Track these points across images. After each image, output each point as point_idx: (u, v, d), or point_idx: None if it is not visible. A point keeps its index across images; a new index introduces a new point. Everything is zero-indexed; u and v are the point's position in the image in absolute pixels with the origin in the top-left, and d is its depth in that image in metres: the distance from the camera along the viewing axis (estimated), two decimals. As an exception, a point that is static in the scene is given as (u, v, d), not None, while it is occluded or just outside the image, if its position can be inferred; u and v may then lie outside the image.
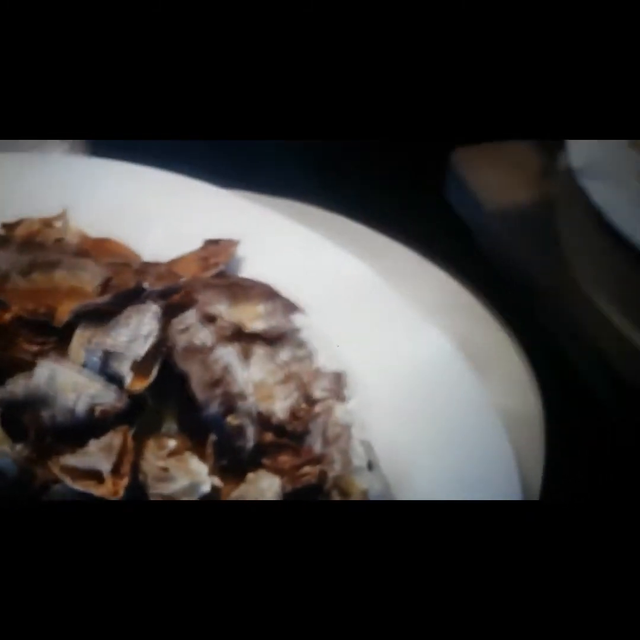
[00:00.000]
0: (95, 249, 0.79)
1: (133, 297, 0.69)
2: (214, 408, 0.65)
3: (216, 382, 0.67)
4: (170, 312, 0.71)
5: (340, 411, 0.71)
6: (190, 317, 0.71)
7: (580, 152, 0.89)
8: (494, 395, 0.79)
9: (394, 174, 1.17)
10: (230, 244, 0.83)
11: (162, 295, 0.71)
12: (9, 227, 0.80)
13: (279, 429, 0.70)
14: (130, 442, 0.64)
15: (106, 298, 0.68)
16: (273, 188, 0.94)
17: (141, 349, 0.65)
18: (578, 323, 0.89)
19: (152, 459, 0.64)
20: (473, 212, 1.10)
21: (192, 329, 0.70)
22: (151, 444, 0.66)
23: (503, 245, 1.05)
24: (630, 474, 0.83)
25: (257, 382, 0.72)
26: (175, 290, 0.72)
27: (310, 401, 0.72)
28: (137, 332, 0.66)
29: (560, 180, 1.00)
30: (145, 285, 0.69)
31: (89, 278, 0.73)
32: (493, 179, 1.11)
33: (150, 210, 0.84)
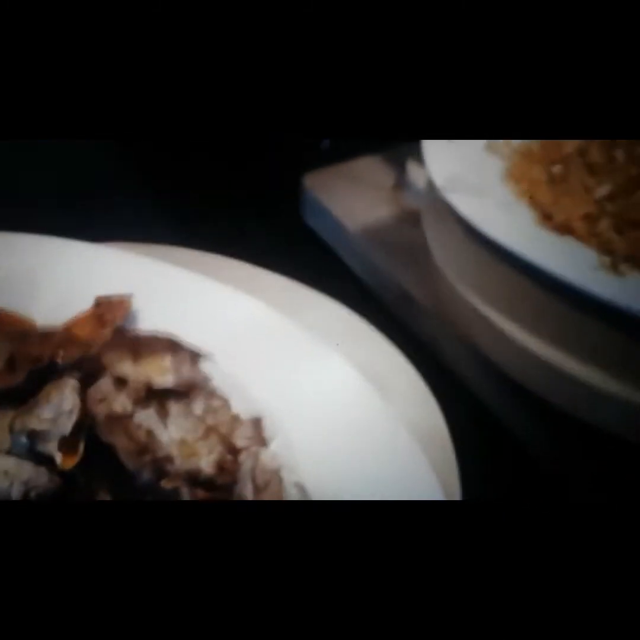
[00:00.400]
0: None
1: (48, 373, 0.68)
2: (146, 476, 0.65)
3: (143, 450, 0.67)
4: (84, 383, 0.70)
5: (265, 456, 0.72)
6: (105, 384, 0.70)
7: (439, 166, 0.92)
8: (400, 412, 0.82)
9: (251, 203, 1.18)
10: (123, 299, 0.83)
11: (75, 367, 0.69)
12: None
13: (209, 484, 0.70)
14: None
15: (20, 377, 0.67)
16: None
17: (66, 425, 0.65)
18: (459, 328, 0.92)
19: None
20: (336, 235, 1.12)
21: (109, 397, 0.69)
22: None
23: (372, 263, 1.07)
24: (523, 468, 0.88)
25: (178, 441, 0.72)
26: (87, 360, 0.71)
27: (234, 451, 0.73)
28: (60, 408, 0.65)
29: (420, 194, 1.04)
30: (58, 360, 0.68)
31: (-8, 356, 0.71)
32: (351, 199, 1.13)
33: (35, 276, 0.82)
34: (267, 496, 0.71)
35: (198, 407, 0.78)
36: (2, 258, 0.82)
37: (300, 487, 0.72)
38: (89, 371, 0.71)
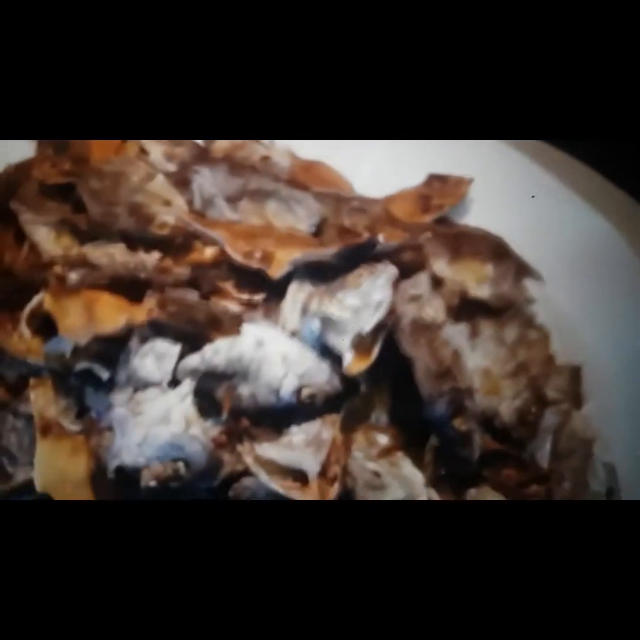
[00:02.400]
0: (307, 174, 0.64)
1: (365, 252, 0.55)
2: (440, 407, 0.52)
3: (444, 373, 0.54)
4: (399, 273, 0.57)
5: (577, 420, 0.58)
6: (422, 281, 0.57)
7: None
8: None
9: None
10: (461, 182, 0.68)
11: (395, 253, 0.56)
12: (207, 138, 0.66)
13: (502, 434, 0.57)
14: (340, 437, 0.53)
15: (333, 250, 0.55)
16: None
17: (369, 321, 0.52)
18: None
19: (362, 459, 0.53)
20: None
21: (423, 298, 0.56)
22: (360, 438, 0.54)
23: None
24: None
25: (482, 370, 0.58)
26: (409, 248, 0.57)
27: (542, 402, 0.59)
28: (367, 298, 0.53)
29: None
30: (380, 238, 0.55)
31: (303, 214, 0.60)
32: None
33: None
34: (564, 467, 0.57)
35: (511, 333, 0.63)
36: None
37: (611, 470, 0.57)
38: (407, 262, 0.58)
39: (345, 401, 0.54)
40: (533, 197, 0.70)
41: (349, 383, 0.54)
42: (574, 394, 0.60)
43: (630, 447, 0.58)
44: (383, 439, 0.54)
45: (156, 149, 0.67)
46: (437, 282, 0.62)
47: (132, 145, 0.66)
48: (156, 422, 0.51)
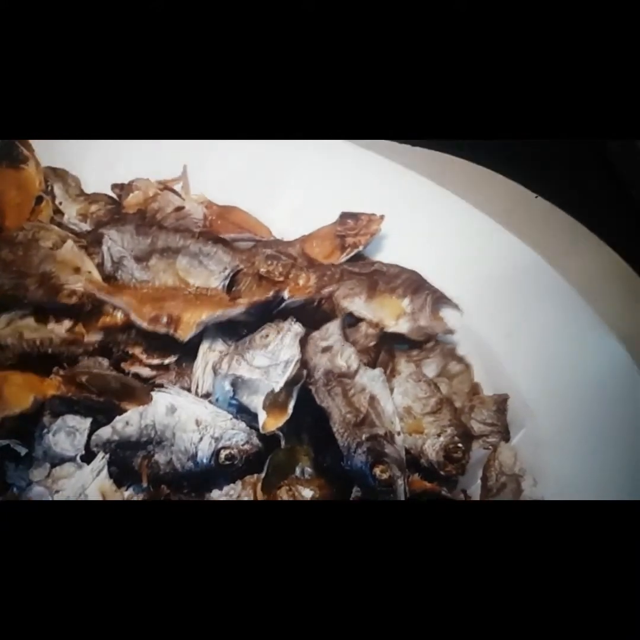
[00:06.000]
0: (221, 220, 0.63)
1: (272, 308, 0.53)
2: (359, 457, 0.50)
3: (361, 421, 0.52)
4: (310, 322, 0.55)
5: (505, 454, 0.56)
6: (332, 332, 0.55)
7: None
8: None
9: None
10: (372, 220, 0.66)
11: (301, 307, 0.55)
12: (121, 188, 0.64)
13: (430, 473, 0.55)
14: (260, 498, 0.50)
15: (240, 309, 0.53)
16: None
17: (280, 378, 0.51)
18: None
19: (285, 517, 0.50)
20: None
21: (335, 347, 0.54)
22: (283, 495, 0.52)
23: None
24: None
25: (404, 409, 0.56)
26: (318, 301, 0.56)
27: (468, 437, 0.57)
28: (276, 358, 0.51)
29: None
30: (285, 294, 0.53)
31: (215, 268, 0.58)
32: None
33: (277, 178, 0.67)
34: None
35: (432, 368, 0.62)
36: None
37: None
38: (316, 310, 0.56)
39: (268, 458, 0.52)
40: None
41: (269, 440, 0.52)
42: (501, 426, 0.58)
43: (561, 480, 0.56)
44: (308, 493, 0.52)
45: (71, 209, 0.65)
46: (353, 323, 0.60)
47: (46, 208, 0.64)
48: (73, 498, 0.49)
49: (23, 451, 0.53)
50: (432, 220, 0.67)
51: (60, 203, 0.67)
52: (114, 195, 0.66)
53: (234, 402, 0.52)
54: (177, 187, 0.65)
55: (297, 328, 0.52)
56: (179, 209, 0.64)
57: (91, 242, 0.61)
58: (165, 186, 0.65)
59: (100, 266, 0.59)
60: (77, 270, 0.57)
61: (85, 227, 0.65)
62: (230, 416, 0.52)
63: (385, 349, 0.61)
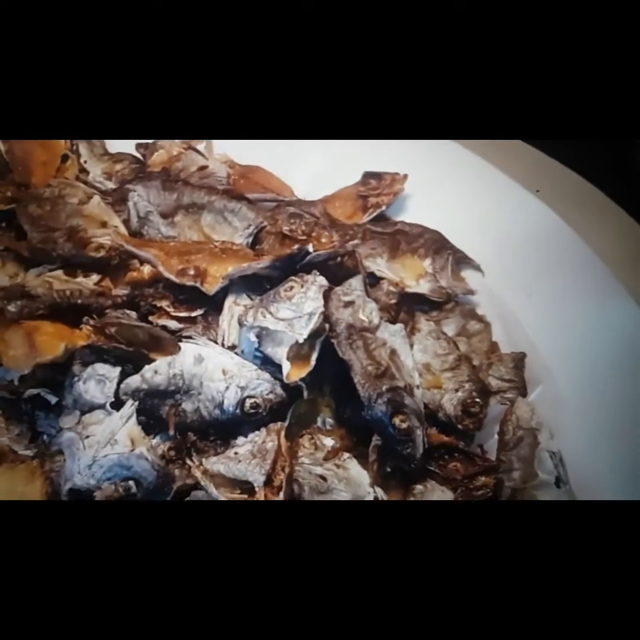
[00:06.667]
0: (246, 180, 0.63)
1: (296, 262, 0.54)
2: (379, 408, 0.51)
3: (382, 374, 0.52)
4: (332, 278, 0.56)
5: (523, 408, 0.57)
6: (355, 287, 0.56)
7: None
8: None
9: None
10: (395, 179, 0.67)
11: (325, 261, 0.55)
12: (145, 147, 0.65)
13: (448, 427, 0.56)
14: (284, 445, 0.52)
15: (265, 262, 0.54)
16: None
17: (304, 330, 0.51)
18: None
19: (308, 464, 0.52)
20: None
21: (357, 302, 0.55)
22: (306, 443, 0.53)
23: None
24: None
25: (423, 366, 0.57)
26: (341, 255, 0.56)
27: (486, 392, 0.58)
28: (299, 310, 0.52)
29: None
30: (310, 248, 0.54)
31: (239, 225, 0.58)
32: None
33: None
34: (513, 457, 0.56)
35: (451, 326, 0.62)
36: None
37: (558, 458, 0.56)
38: (340, 266, 0.57)
39: (291, 408, 0.53)
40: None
41: (292, 390, 0.53)
42: (518, 382, 0.59)
43: (577, 435, 0.57)
44: (329, 442, 0.53)
45: (95, 168, 0.66)
46: (374, 283, 0.61)
47: (72, 166, 0.65)
48: (103, 443, 0.50)
49: (53, 400, 0.54)
50: (455, 181, 0.67)
51: (85, 162, 0.67)
52: (139, 155, 0.66)
53: (258, 353, 0.53)
54: (201, 146, 0.66)
55: (321, 280, 0.53)
56: (203, 168, 0.65)
57: (117, 200, 0.62)
58: (189, 146, 0.65)
59: (126, 222, 0.60)
60: (104, 224, 0.58)
61: (110, 185, 0.66)
62: (255, 367, 0.53)
63: (405, 309, 0.61)
